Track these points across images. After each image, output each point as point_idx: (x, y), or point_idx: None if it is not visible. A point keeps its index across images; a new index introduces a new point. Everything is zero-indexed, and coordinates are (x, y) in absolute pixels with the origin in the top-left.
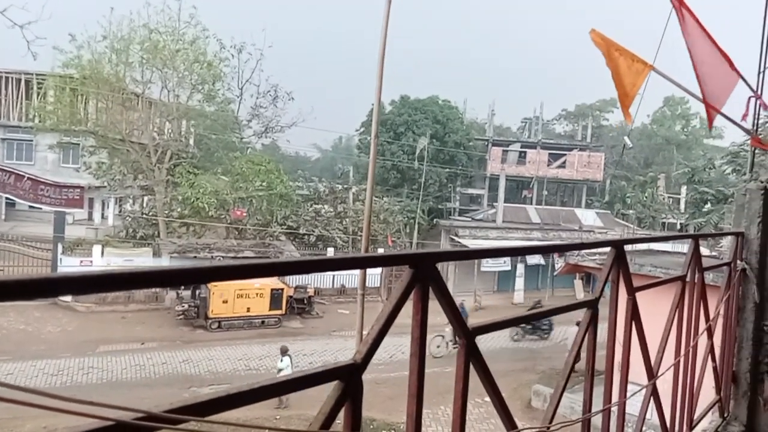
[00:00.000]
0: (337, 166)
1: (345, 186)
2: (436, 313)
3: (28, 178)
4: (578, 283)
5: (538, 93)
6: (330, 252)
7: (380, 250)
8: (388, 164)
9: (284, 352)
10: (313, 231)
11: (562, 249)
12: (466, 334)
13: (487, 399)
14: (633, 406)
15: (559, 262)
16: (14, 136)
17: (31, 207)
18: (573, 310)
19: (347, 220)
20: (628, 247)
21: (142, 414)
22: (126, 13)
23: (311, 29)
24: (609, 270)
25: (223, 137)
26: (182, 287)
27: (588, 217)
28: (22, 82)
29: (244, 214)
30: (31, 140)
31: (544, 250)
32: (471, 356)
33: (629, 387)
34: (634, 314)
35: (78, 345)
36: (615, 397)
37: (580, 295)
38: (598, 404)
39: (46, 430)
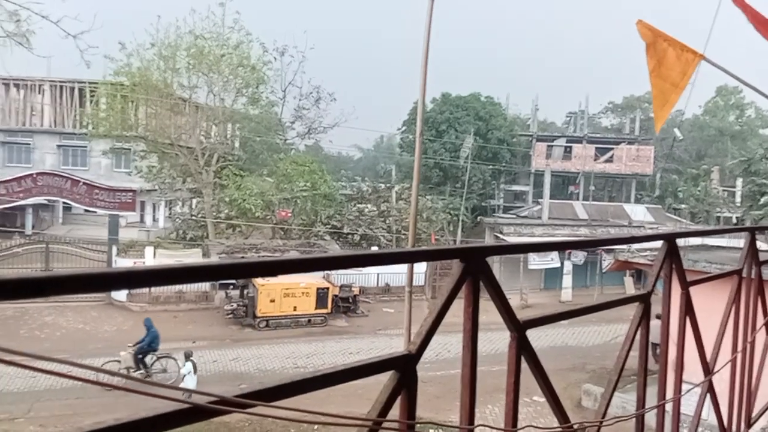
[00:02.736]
0: (380, 166)
1: (388, 185)
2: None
3: (84, 183)
4: (628, 280)
5: (583, 86)
6: (374, 250)
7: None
8: (431, 162)
9: (188, 357)
10: (357, 230)
11: (612, 243)
12: (516, 328)
13: (536, 398)
14: (687, 405)
15: (608, 260)
16: (70, 142)
17: (86, 211)
18: (624, 304)
19: (390, 219)
20: (680, 242)
21: (215, 398)
22: (172, 21)
23: (352, 30)
24: (661, 264)
25: (268, 139)
26: (231, 287)
27: (638, 212)
28: (76, 91)
29: (289, 215)
30: (86, 146)
31: (595, 244)
32: (522, 350)
33: (683, 385)
34: (688, 310)
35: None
36: (669, 395)
37: (631, 291)
38: (651, 403)
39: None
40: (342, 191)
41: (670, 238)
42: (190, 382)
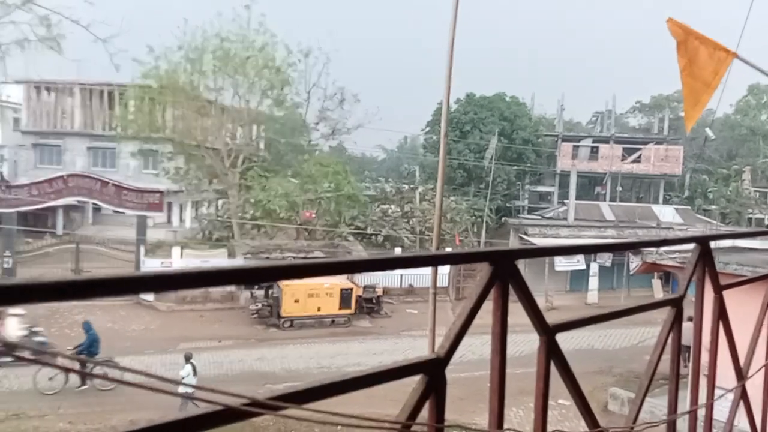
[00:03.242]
0: (403, 166)
1: (411, 186)
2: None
3: (113, 184)
4: (656, 282)
5: (610, 86)
6: (397, 252)
7: (448, 250)
8: (455, 163)
9: (188, 359)
10: (381, 231)
11: (643, 245)
12: (546, 332)
13: (561, 401)
14: (720, 411)
15: (635, 261)
16: (99, 144)
17: (115, 211)
18: (655, 308)
19: (414, 219)
20: (711, 244)
21: (247, 400)
22: (199, 24)
23: (377, 30)
24: (694, 268)
25: (292, 140)
26: (256, 287)
27: (666, 213)
28: (105, 94)
29: (313, 216)
30: (114, 148)
31: (625, 247)
32: (552, 354)
33: (716, 390)
34: (721, 314)
35: (160, 342)
36: (701, 401)
37: (659, 295)
38: (682, 408)
39: (132, 423)
40: (366, 192)
41: (702, 241)
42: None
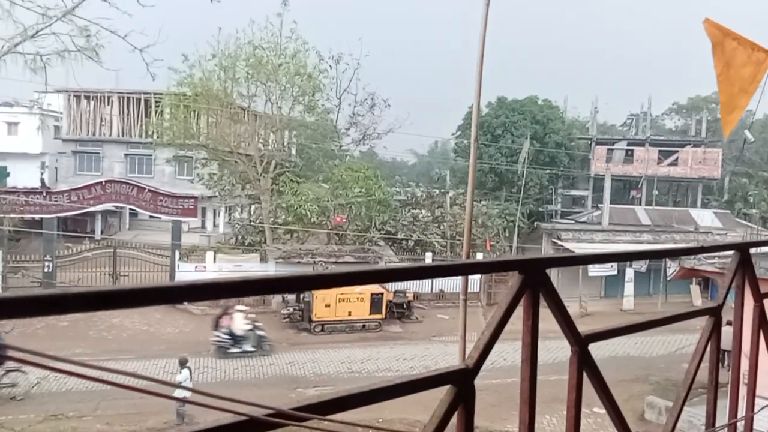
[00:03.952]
0: (434, 171)
1: (442, 190)
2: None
3: (149, 190)
4: (695, 288)
5: (645, 88)
6: (428, 256)
7: (479, 255)
8: (486, 167)
9: (183, 363)
10: (411, 236)
11: (680, 253)
12: (578, 342)
13: (596, 409)
14: (761, 422)
15: (672, 267)
16: (136, 151)
17: (151, 216)
18: (694, 317)
19: (445, 224)
20: (752, 250)
21: (271, 411)
22: (232, 32)
23: (407, 34)
24: (733, 275)
25: (323, 146)
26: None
27: (705, 217)
28: (142, 102)
29: (344, 220)
30: (150, 155)
31: (661, 255)
32: (584, 364)
33: (757, 400)
34: (762, 322)
35: (194, 345)
36: (741, 412)
37: (698, 301)
38: (721, 418)
39: (167, 425)
40: (396, 197)
41: (743, 248)
42: (185, 391)
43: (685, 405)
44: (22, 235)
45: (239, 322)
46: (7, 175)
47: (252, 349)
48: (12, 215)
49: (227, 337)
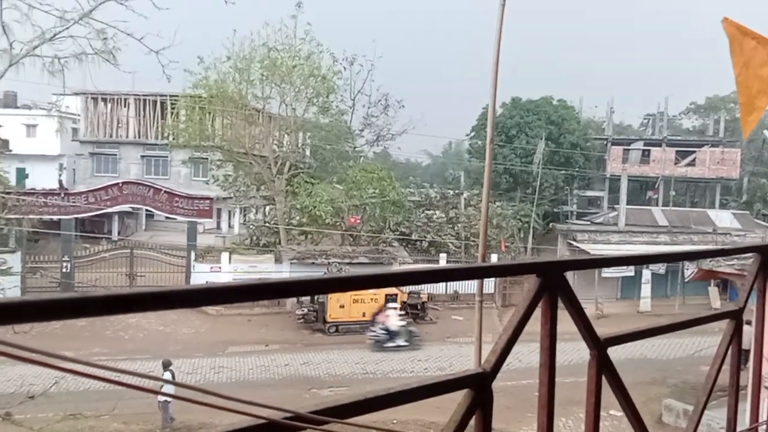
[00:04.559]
0: (448, 172)
1: (456, 191)
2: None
3: (165, 191)
4: (713, 290)
5: (662, 87)
6: (442, 257)
7: (494, 256)
8: (500, 168)
9: (166, 366)
10: (425, 237)
11: (700, 256)
12: (597, 346)
13: (612, 412)
14: None
15: (690, 268)
16: (152, 153)
17: (167, 217)
18: (714, 321)
19: (459, 225)
20: None
21: (290, 414)
22: (247, 34)
23: (420, 34)
24: (754, 279)
25: (337, 147)
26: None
27: (723, 218)
28: (158, 104)
29: (358, 221)
30: (166, 156)
31: (679, 258)
32: (603, 368)
33: None
34: None
35: (209, 346)
36: (763, 416)
37: (716, 303)
38: (741, 422)
39: (183, 425)
40: (410, 198)
41: (764, 250)
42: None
43: (705, 409)
44: (40, 236)
45: (393, 318)
46: (26, 176)
47: (405, 343)
48: (31, 216)
49: (383, 332)
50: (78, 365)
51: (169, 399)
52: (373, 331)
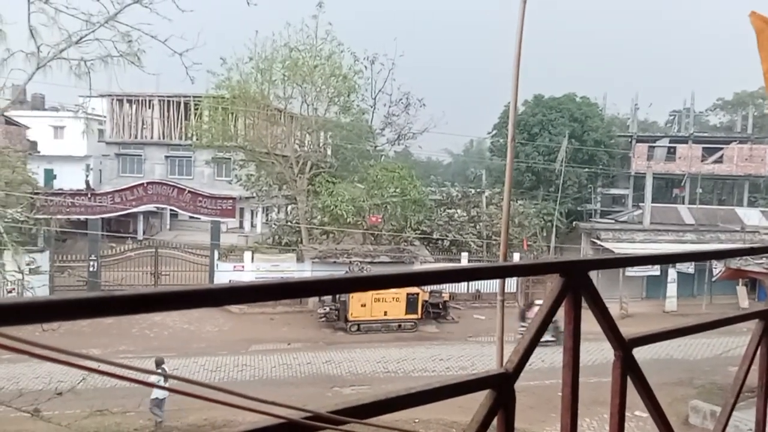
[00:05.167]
0: (469, 170)
1: (478, 190)
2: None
3: (189, 191)
4: (741, 290)
5: (688, 83)
6: (464, 256)
7: (516, 255)
8: (523, 166)
9: (159, 364)
10: (447, 236)
11: (727, 255)
12: (622, 347)
13: (638, 413)
14: None
15: (718, 267)
16: (176, 153)
17: (191, 217)
18: (743, 321)
19: (481, 224)
20: None
21: (309, 414)
22: (269, 35)
23: (441, 31)
24: None
25: (359, 146)
26: None
27: (752, 216)
28: (182, 105)
29: (380, 220)
30: (190, 157)
31: (706, 257)
32: (628, 369)
33: None
34: None
35: (233, 344)
36: None
37: (744, 303)
38: None
39: (207, 422)
40: (431, 196)
41: None
42: (159, 392)
43: (733, 410)
44: (68, 235)
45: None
46: (54, 177)
47: (552, 339)
48: (59, 216)
49: None
50: (98, 364)
51: (161, 396)
52: (523, 326)
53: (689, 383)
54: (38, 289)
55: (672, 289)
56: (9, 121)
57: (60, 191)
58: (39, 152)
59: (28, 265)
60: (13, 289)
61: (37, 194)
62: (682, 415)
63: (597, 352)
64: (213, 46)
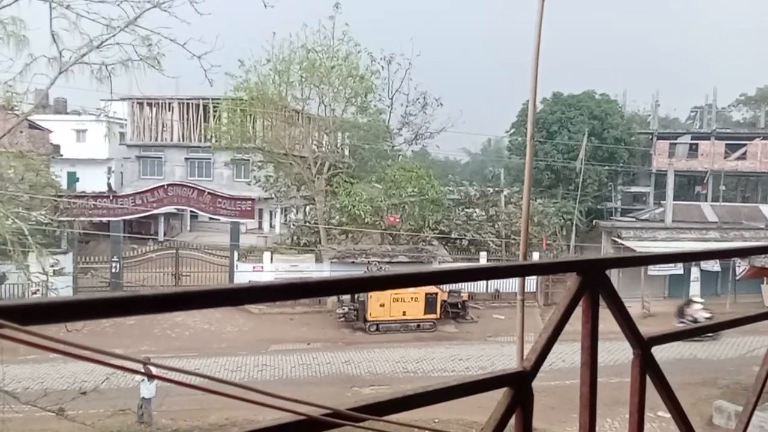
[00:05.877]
0: (487, 169)
1: (496, 189)
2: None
3: (208, 192)
4: (766, 288)
5: (710, 79)
6: (483, 256)
7: (535, 254)
8: (542, 164)
9: (144, 364)
10: (465, 235)
11: (751, 253)
12: (640, 345)
13: (660, 413)
14: None
15: (742, 265)
16: (195, 155)
17: (210, 218)
18: (765, 319)
19: (500, 223)
20: None
21: (329, 411)
22: (286, 37)
23: (459, 30)
24: None
25: (376, 146)
26: None
27: None
28: (201, 107)
29: (398, 220)
30: (209, 158)
31: (727, 254)
32: (647, 368)
33: None
34: None
35: (253, 344)
36: None
37: None
38: None
39: (228, 421)
40: (449, 196)
41: None
42: (145, 391)
43: (755, 410)
44: (91, 237)
45: (699, 311)
46: (77, 180)
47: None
48: (82, 218)
49: (692, 323)
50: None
51: (147, 396)
52: (683, 322)
53: (713, 383)
54: (62, 290)
55: (695, 288)
56: (32, 125)
57: (83, 194)
58: (62, 155)
59: (52, 266)
60: (38, 290)
61: (61, 197)
62: (705, 416)
63: (619, 351)
64: (231, 49)
